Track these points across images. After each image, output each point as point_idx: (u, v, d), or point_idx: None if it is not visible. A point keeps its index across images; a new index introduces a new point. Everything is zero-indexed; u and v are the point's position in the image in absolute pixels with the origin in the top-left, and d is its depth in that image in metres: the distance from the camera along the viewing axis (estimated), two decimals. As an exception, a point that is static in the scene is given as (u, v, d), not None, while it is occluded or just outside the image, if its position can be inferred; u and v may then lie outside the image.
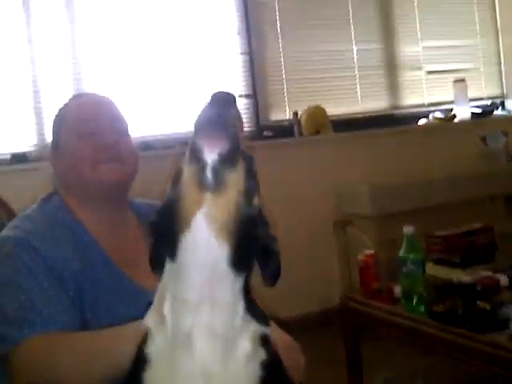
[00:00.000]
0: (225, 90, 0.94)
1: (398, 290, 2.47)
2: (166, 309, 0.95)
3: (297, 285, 3.93)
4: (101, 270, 1.42)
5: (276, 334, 1.30)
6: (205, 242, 0.90)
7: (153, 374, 0.95)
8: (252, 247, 0.97)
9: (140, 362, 0.96)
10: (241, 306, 0.95)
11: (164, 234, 0.96)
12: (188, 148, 0.93)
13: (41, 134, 3.60)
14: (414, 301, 2.32)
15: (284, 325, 1.41)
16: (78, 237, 1.45)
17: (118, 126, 1.52)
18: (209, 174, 0.89)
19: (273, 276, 1.01)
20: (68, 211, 1.48)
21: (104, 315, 1.37)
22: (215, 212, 0.89)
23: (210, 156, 0.89)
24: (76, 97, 1.62)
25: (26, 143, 3.59)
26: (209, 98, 0.94)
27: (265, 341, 0.98)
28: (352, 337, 2.71)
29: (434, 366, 2.73)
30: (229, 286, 0.93)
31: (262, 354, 0.96)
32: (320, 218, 4.17)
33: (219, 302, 0.92)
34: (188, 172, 0.91)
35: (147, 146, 3.68)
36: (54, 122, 1.55)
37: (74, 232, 1.45)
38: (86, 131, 1.46)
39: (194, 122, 0.94)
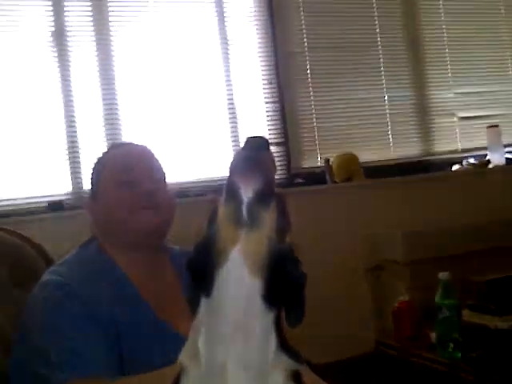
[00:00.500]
0: (259, 135, 0.99)
1: (433, 335, 2.42)
2: (201, 342, 0.96)
3: (329, 331, 3.87)
4: (139, 315, 1.44)
5: (310, 379, 1.29)
6: (240, 277, 0.92)
7: None
8: (283, 283, 0.97)
9: None
10: (273, 339, 0.96)
11: (200, 271, 0.98)
12: (224, 187, 0.96)
13: (77, 182, 3.67)
14: (450, 347, 2.27)
15: (318, 370, 1.40)
16: (116, 283, 1.47)
17: (155, 175, 1.56)
18: (244, 211, 0.92)
19: (298, 317, 1.00)
20: (106, 257, 1.52)
21: (142, 360, 1.38)
22: (250, 248, 0.92)
23: (246, 194, 0.92)
24: (114, 146, 1.69)
25: (62, 191, 3.65)
26: (244, 142, 0.98)
27: (297, 377, 0.98)
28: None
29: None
30: (262, 319, 0.94)
31: None
32: (353, 264, 4.12)
33: (253, 335, 0.94)
34: (224, 210, 0.95)
35: (181, 193, 3.73)
36: (93, 171, 1.60)
37: (112, 278, 1.48)
38: (125, 180, 1.51)
39: (229, 163, 0.98)
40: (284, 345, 0.98)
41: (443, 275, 2.33)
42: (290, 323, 1.00)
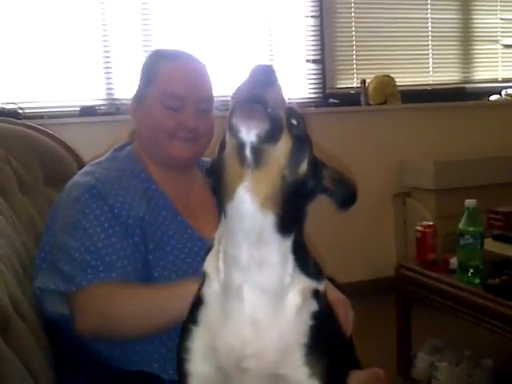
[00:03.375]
0: (265, 64, 0.90)
1: (454, 261, 2.44)
2: (220, 260, 0.98)
3: (353, 253, 3.94)
4: (166, 217, 1.48)
5: (332, 294, 1.33)
6: (249, 213, 0.90)
7: (207, 314, 0.99)
8: (299, 209, 0.97)
9: (197, 301, 1.02)
10: (290, 263, 0.96)
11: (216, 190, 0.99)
12: (227, 123, 0.91)
13: (109, 89, 3.69)
14: (470, 273, 2.29)
15: (338, 286, 1.43)
16: (146, 185, 1.50)
17: (203, 107, 1.51)
18: (248, 152, 0.87)
19: (344, 202, 1.01)
20: (138, 162, 1.54)
21: (166, 259, 1.43)
22: (257, 187, 0.89)
23: (248, 137, 0.87)
24: (170, 57, 1.56)
25: (94, 97, 3.68)
26: (248, 72, 0.89)
27: (316, 294, 1.00)
28: (404, 304, 2.71)
29: (484, 338, 2.70)
30: (276, 248, 0.94)
31: (313, 306, 0.98)
32: (381, 188, 4.13)
33: (267, 263, 0.94)
34: (229, 146, 0.91)
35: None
36: (144, 75, 1.55)
37: (142, 181, 1.51)
38: (174, 104, 1.48)
39: (232, 95, 0.91)
40: (304, 262, 0.99)
41: (469, 202, 2.31)
42: (338, 209, 1.01)
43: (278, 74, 0.90)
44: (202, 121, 1.51)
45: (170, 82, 1.50)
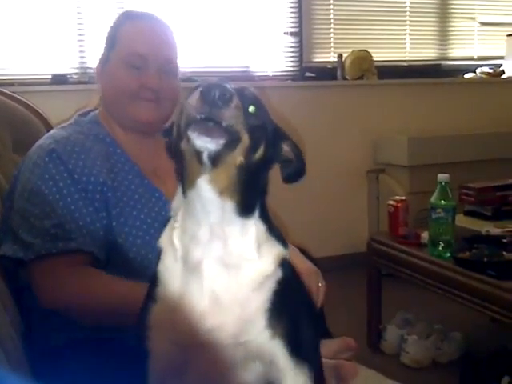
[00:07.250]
0: (218, 83, 0.87)
1: (425, 235, 2.46)
2: (175, 237, 0.97)
3: (327, 228, 3.95)
4: (132, 181, 1.46)
5: (298, 259, 1.32)
6: (210, 200, 0.91)
7: (164, 290, 0.98)
8: (259, 188, 0.97)
9: (154, 278, 1.00)
10: (254, 237, 0.96)
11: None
12: (183, 131, 0.89)
13: (82, 57, 3.62)
14: (441, 247, 2.31)
15: (311, 259, 1.43)
16: (110, 150, 1.49)
17: (166, 68, 1.51)
18: (205, 158, 0.87)
19: (293, 176, 1.02)
20: (103, 127, 1.53)
21: (132, 224, 1.41)
22: (216, 180, 0.90)
23: (205, 149, 0.87)
24: (133, 17, 1.56)
25: (66, 65, 3.61)
26: (199, 91, 0.86)
27: (282, 262, 0.98)
28: (376, 278, 2.73)
29: (454, 311, 2.74)
30: (239, 226, 0.94)
31: (278, 273, 0.97)
32: (355, 164, 4.14)
33: (231, 239, 0.94)
34: (186, 151, 0.90)
35: (187, 78, 3.66)
36: (108, 38, 1.54)
37: (106, 145, 1.49)
38: (136, 64, 1.47)
39: (184, 106, 0.89)
40: (270, 232, 0.98)
41: (442, 177, 2.32)
42: (285, 181, 1.02)
43: (231, 90, 0.88)
44: (165, 83, 1.50)
45: (131, 40, 1.50)
